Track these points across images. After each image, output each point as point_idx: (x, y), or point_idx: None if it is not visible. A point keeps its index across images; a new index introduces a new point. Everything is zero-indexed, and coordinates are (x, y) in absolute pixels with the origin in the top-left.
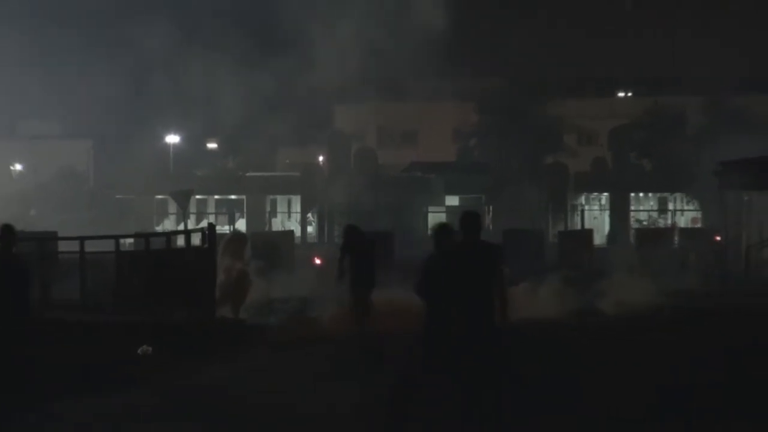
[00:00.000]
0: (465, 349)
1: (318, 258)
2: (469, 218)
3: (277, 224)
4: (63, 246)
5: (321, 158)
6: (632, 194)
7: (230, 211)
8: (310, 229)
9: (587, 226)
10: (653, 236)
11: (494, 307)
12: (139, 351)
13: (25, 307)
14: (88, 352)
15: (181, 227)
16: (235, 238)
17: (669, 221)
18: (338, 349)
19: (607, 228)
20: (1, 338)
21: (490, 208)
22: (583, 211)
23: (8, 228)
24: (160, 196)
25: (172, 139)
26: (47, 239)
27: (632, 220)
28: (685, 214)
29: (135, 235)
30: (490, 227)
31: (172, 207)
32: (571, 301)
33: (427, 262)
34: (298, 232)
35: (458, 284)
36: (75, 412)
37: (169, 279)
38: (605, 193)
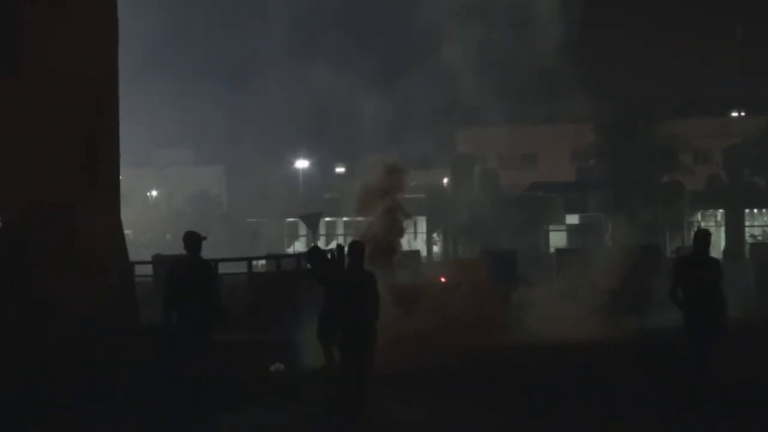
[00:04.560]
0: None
1: (443, 278)
2: (355, 246)
3: (404, 244)
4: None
5: (445, 180)
6: (747, 210)
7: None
8: (435, 248)
9: None
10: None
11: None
12: (272, 368)
13: (209, 307)
14: (227, 368)
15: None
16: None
17: None
18: None
19: (723, 244)
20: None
21: (610, 225)
22: (698, 227)
23: (192, 235)
24: (290, 219)
25: (302, 163)
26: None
27: (747, 235)
28: None
29: (267, 257)
30: (610, 243)
31: (303, 229)
32: None
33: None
34: (424, 252)
35: (347, 299)
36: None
37: (297, 298)
38: (720, 210)
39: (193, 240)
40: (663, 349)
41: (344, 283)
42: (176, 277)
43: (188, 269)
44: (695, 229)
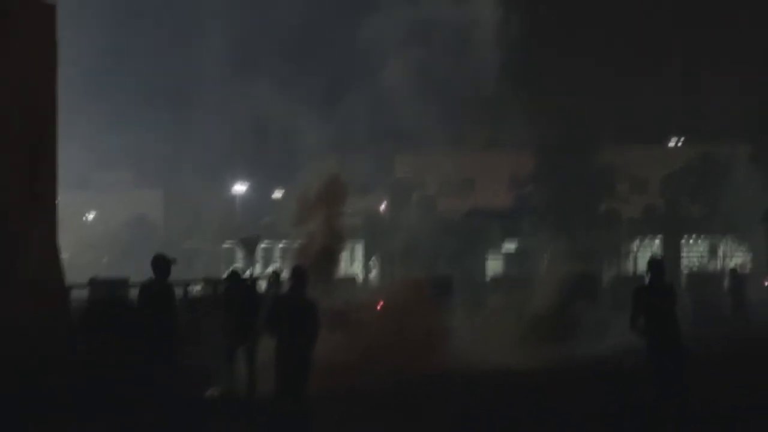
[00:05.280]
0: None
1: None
2: (298, 271)
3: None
4: (134, 292)
5: (382, 206)
6: (683, 239)
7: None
8: (372, 274)
9: (640, 270)
10: (703, 280)
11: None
12: (206, 394)
13: (172, 327)
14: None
15: (248, 274)
16: None
17: (719, 265)
18: None
19: None
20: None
21: (547, 252)
22: (635, 256)
23: (162, 258)
24: (227, 244)
25: (239, 188)
26: (119, 285)
27: (683, 264)
28: (734, 257)
29: (204, 281)
30: (547, 271)
31: (240, 254)
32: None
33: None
34: (361, 277)
35: (287, 325)
36: None
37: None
38: (657, 239)
39: (164, 263)
40: (589, 375)
41: (285, 308)
42: (146, 299)
43: (158, 292)
44: (633, 256)
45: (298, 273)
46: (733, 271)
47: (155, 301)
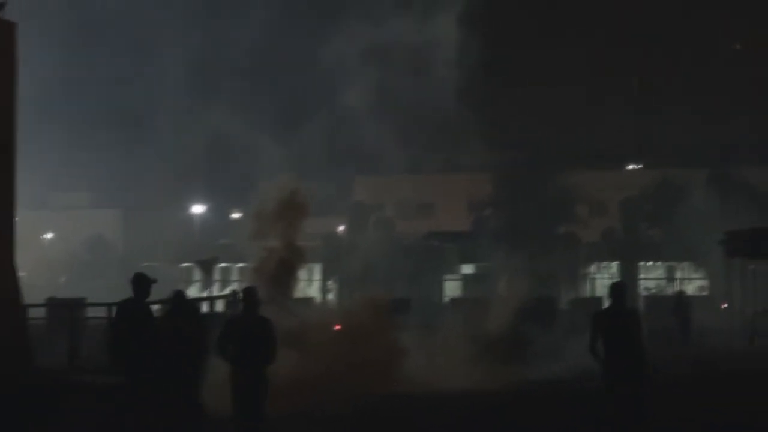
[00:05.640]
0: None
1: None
2: (250, 292)
3: (299, 291)
4: (91, 312)
5: (341, 228)
6: (641, 263)
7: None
8: (330, 296)
9: (597, 293)
10: (661, 303)
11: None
12: None
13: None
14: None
15: (206, 294)
16: None
17: (676, 289)
18: None
19: None
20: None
21: (504, 276)
22: (593, 279)
23: (142, 277)
24: (185, 264)
25: (198, 209)
26: (77, 305)
27: (641, 288)
28: (692, 282)
29: (161, 302)
30: (504, 294)
31: (198, 275)
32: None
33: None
34: (318, 299)
35: (243, 344)
36: None
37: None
38: (615, 262)
39: (144, 282)
40: (559, 398)
41: (237, 329)
42: (123, 320)
43: (137, 311)
44: (590, 280)
45: (249, 293)
46: (680, 293)
47: (135, 320)
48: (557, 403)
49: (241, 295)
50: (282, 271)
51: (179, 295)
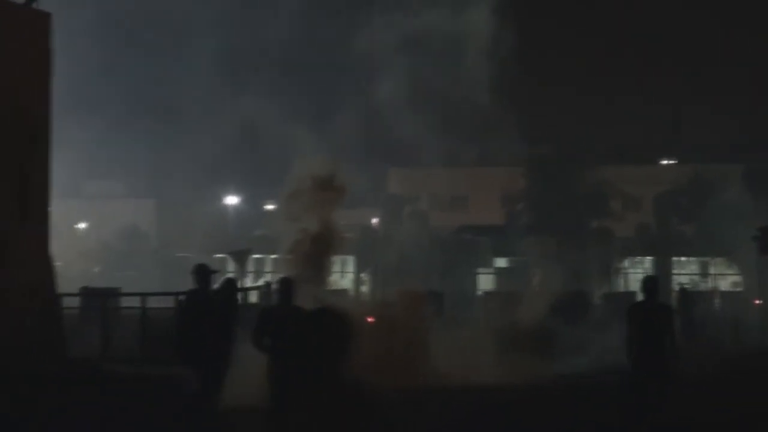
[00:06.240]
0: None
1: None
2: (285, 282)
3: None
4: (125, 302)
5: (375, 220)
6: (674, 258)
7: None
8: (363, 288)
9: (631, 288)
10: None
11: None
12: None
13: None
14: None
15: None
16: None
17: (710, 285)
18: None
19: None
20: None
21: (538, 270)
22: (626, 274)
23: (203, 267)
24: (219, 255)
25: (231, 200)
26: (110, 295)
27: (674, 283)
28: (726, 278)
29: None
30: (538, 288)
31: (231, 266)
32: None
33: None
34: (352, 291)
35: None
36: None
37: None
38: (648, 258)
39: (204, 272)
40: (584, 392)
41: (274, 319)
42: (191, 308)
43: (203, 301)
44: (623, 275)
45: (284, 283)
46: (683, 289)
47: (202, 309)
48: (574, 397)
49: (275, 285)
50: (317, 251)
51: (231, 282)
